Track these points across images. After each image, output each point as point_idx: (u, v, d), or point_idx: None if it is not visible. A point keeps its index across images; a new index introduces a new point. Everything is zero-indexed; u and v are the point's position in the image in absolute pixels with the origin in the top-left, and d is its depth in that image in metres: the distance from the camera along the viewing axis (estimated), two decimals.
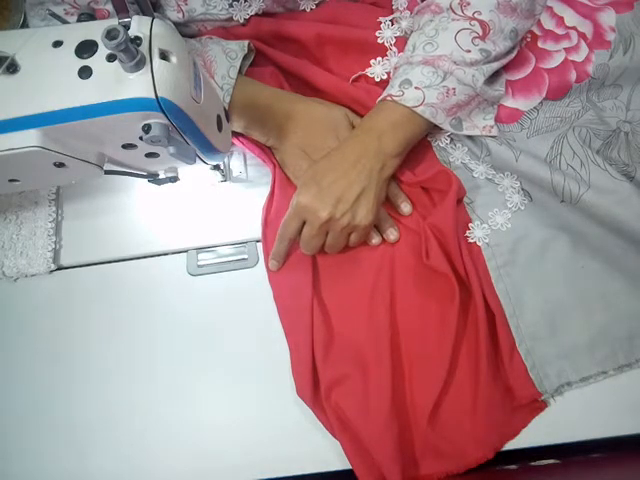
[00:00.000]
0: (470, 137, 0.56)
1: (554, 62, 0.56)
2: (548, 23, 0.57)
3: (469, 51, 0.50)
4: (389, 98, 0.51)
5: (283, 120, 0.55)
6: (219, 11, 0.57)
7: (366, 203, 0.50)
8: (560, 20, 0.57)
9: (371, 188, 0.50)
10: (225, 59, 0.55)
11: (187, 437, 0.50)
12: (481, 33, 0.51)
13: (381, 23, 0.58)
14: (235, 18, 0.58)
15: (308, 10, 0.61)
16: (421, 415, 0.48)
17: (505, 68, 0.55)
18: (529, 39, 0.57)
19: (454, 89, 0.50)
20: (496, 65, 0.52)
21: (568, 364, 0.48)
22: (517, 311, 0.50)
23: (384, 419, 0.47)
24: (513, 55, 0.54)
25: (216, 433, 0.50)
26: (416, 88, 0.50)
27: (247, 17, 0.58)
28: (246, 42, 0.56)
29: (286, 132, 0.56)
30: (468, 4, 0.51)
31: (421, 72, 0.51)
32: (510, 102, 0.56)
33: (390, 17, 0.58)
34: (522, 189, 0.53)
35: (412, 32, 0.56)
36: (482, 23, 0.51)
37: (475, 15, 0.51)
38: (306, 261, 0.54)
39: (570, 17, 0.56)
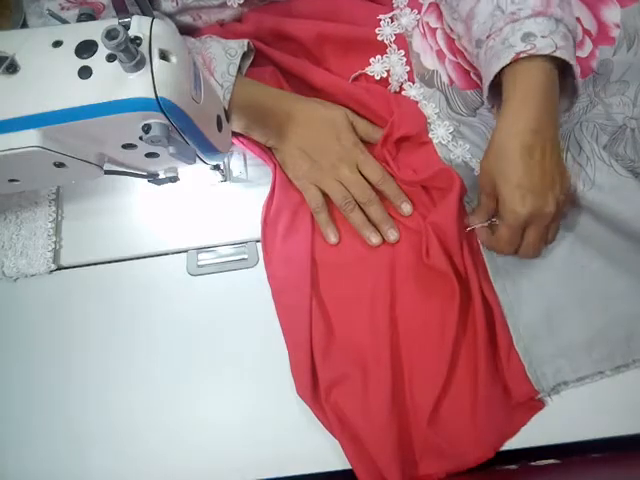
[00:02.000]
0: (477, 132, 0.55)
1: None
2: None
3: None
4: (523, 55, 0.44)
5: (283, 120, 0.55)
6: None
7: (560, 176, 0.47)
8: None
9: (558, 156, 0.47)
10: (225, 56, 0.54)
11: (187, 437, 0.50)
12: None
13: (380, 20, 0.58)
14: (229, 3, 0.58)
15: None
16: (421, 415, 0.48)
17: None
18: None
19: (571, 31, 0.47)
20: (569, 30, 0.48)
21: (565, 363, 0.48)
22: (515, 310, 0.50)
23: (384, 419, 0.47)
24: None
25: (216, 433, 0.50)
26: (543, 37, 0.45)
27: (241, 2, 0.58)
28: (246, 41, 0.56)
29: (286, 132, 0.55)
30: None
31: (535, 22, 0.45)
32: None
33: (390, 14, 0.58)
34: None
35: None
36: None
37: None
38: (305, 259, 0.54)
39: (575, 5, 0.55)
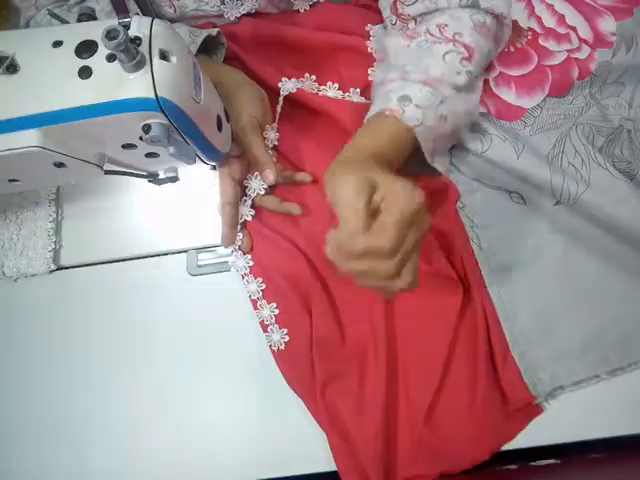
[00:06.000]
0: (474, 130, 0.55)
1: (556, 60, 0.55)
2: (549, 21, 0.56)
3: (459, 73, 0.48)
4: (388, 112, 0.45)
5: (231, 91, 0.52)
6: (210, 7, 0.57)
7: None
8: (561, 18, 0.56)
9: None
10: (187, 36, 0.53)
11: (187, 437, 0.50)
12: (466, 54, 0.49)
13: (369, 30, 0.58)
14: (226, 16, 0.58)
15: (302, 11, 0.61)
16: (417, 414, 0.48)
17: (507, 65, 0.55)
18: (530, 37, 0.57)
19: (446, 116, 0.48)
20: (476, 96, 0.51)
21: (561, 368, 0.48)
22: (511, 314, 0.50)
23: (376, 421, 0.47)
24: (482, 80, 0.53)
25: (216, 433, 0.50)
26: (416, 106, 0.45)
27: (238, 16, 0.59)
28: (216, 30, 0.56)
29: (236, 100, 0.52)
30: (446, 26, 0.50)
31: (420, 90, 0.46)
32: (513, 99, 0.55)
33: (381, 25, 0.58)
34: (515, 192, 0.53)
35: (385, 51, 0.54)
36: (465, 45, 0.49)
37: (456, 37, 0.49)
38: (301, 261, 0.53)
39: (571, 16, 0.56)
